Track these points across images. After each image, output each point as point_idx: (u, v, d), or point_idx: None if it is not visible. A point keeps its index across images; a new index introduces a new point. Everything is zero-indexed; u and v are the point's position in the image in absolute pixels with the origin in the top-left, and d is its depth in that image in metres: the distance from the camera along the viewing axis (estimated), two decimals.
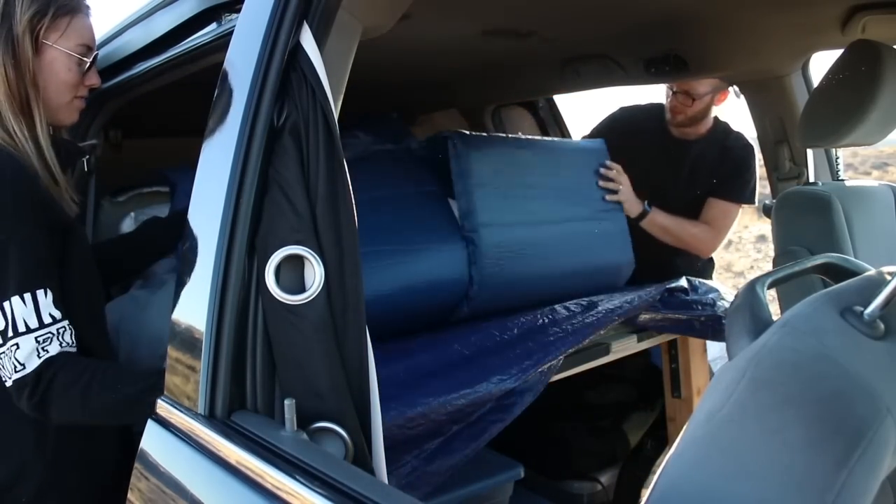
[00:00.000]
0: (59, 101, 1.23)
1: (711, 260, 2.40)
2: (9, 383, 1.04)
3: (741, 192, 2.16)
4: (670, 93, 2.16)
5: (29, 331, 1.04)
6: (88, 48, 1.24)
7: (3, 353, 1.04)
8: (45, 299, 1.06)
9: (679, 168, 2.25)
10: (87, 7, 1.26)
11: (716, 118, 2.25)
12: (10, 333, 1.03)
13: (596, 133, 2.41)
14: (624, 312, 1.60)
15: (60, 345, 1.06)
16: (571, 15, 1.61)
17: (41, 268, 1.09)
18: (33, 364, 1.04)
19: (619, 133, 2.34)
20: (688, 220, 2.15)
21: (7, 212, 1.08)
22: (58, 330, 1.07)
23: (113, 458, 1.28)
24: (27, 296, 1.05)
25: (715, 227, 2.16)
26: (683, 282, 1.80)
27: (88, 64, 1.24)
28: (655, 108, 2.33)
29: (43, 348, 1.05)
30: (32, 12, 1.17)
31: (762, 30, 1.61)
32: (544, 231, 1.74)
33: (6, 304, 1.04)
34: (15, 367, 1.03)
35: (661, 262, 2.24)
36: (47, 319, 1.06)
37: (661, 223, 2.08)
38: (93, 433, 1.24)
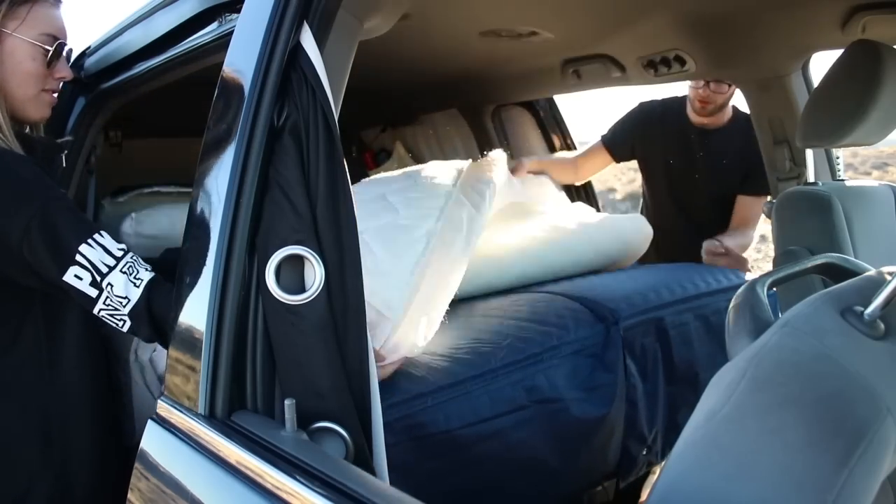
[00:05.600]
0: (24, 93, 1.18)
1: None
2: (127, 324, 1.07)
3: (766, 185, 2.16)
4: (701, 84, 2.16)
5: (111, 268, 1.06)
6: (53, 38, 1.20)
7: (106, 299, 1.06)
8: (105, 238, 1.08)
9: (703, 158, 2.27)
10: None
11: (734, 107, 2.27)
12: (98, 278, 1.05)
13: (618, 129, 2.44)
14: None
15: (146, 269, 1.09)
16: (571, 15, 1.61)
17: (84, 217, 1.12)
18: (136, 293, 1.06)
19: (642, 128, 2.38)
20: (737, 233, 2.16)
21: (32, 184, 1.08)
22: (132, 258, 1.09)
23: (117, 466, 1.27)
24: (90, 241, 1.06)
25: (751, 224, 2.19)
26: None
27: (51, 54, 1.19)
28: (675, 101, 2.35)
29: (135, 276, 1.07)
30: None
31: (762, 30, 1.61)
32: None
33: (79, 257, 1.05)
34: (121, 303, 1.06)
35: (692, 255, 2.24)
36: (118, 253, 1.07)
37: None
38: (97, 443, 1.23)
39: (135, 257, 1.10)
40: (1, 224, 1.05)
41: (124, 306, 1.06)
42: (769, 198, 2.06)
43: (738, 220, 2.21)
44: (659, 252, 2.32)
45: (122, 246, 1.10)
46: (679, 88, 2.36)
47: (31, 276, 1.08)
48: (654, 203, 2.44)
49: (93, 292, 1.06)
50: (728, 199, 2.28)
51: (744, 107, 2.14)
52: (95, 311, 1.07)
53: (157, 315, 1.07)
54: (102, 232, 1.09)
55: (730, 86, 2.15)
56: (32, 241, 1.05)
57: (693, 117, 2.27)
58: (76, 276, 1.05)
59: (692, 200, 2.32)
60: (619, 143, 2.43)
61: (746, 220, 2.20)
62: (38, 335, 1.15)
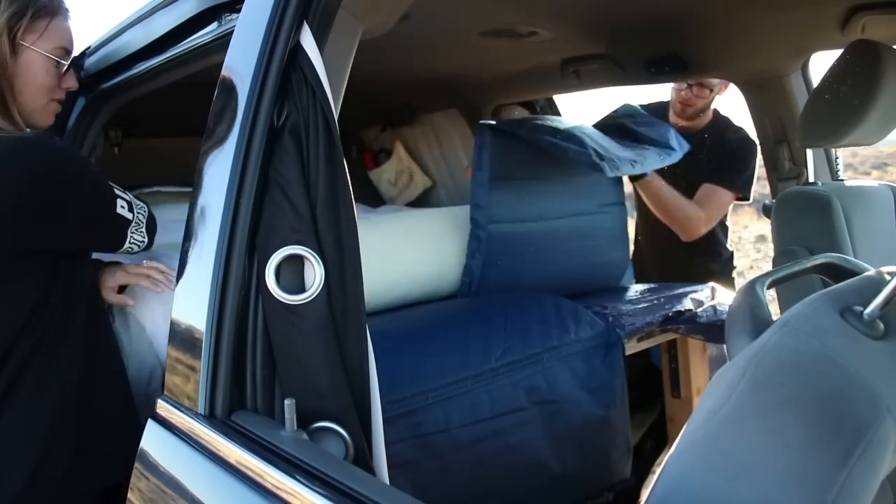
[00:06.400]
0: (35, 103, 1.22)
1: (731, 259, 2.41)
2: (143, 232, 1.31)
3: (733, 179, 2.16)
4: (684, 86, 2.17)
5: (123, 190, 1.29)
6: (66, 51, 1.24)
7: (137, 214, 1.30)
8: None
9: (680, 161, 2.27)
10: (67, 10, 1.25)
11: (716, 111, 2.29)
12: (128, 201, 1.28)
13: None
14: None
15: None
16: (571, 15, 1.61)
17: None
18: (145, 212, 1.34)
19: None
20: (684, 197, 2.16)
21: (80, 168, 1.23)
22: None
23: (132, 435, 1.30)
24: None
25: (704, 210, 2.16)
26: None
27: (69, 65, 1.25)
28: (660, 105, 2.37)
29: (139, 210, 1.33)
30: (11, 13, 1.16)
31: (762, 30, 1.61)
32: (550, 226, 1.76)
33: (116, 190, 1.26)
34: (142, 213, 1.32)
35: (679, 262, 2.25)
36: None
37: (656, 188, 2.09)
38: (110, 412, 1.27)
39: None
40: (72, 194, 1.17)
41: (146, 215, 1.32)
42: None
43: (694, 202, 2.17)
44: (649, 257, 2.33)
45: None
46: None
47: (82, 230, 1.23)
48: (641, 206, 2.46)
49: (129, 215, 1.27)
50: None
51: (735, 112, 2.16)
52: (129, 231, 1.28)
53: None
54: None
55: (711, 90, 2.16)
56: (98, 192, 1.23)
57: (673, 120, 2.28)
58: (121, 206, 1.26)
59: None
60: None
61: (699, 203, 2.16)
62: (56, 307, 1.19)
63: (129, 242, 1.29)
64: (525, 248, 1.71)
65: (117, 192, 1.27)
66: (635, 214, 2.58)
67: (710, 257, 2.33)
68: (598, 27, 1.70)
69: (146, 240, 1.32)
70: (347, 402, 0.87)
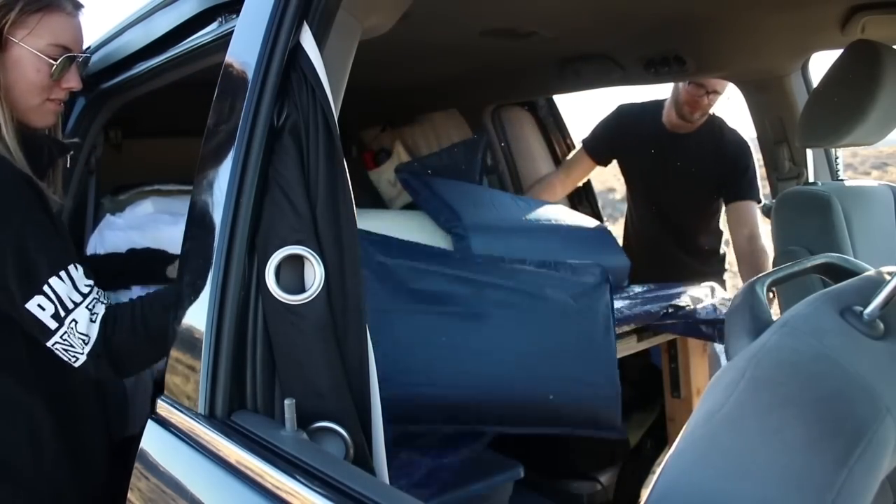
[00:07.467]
0: (27, 102, 1.14)
1: (723, 259, 2.41)
2: (83, 359, 1.06)
3: (756, 191, 2.17)
4: (702, 92, 2.14)
5: (77, 305, 1.05)
6: (65, 49, 1.14)
7: (67, 332, 1.05)
8: (78, 272, 1.08)
9: (674, 161, 2.27)
10: (73, 6, 1.16)
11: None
12: (63, 313, 1.05)
13: (598, 133, 2.45)
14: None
15: (103, 303, 1.09)
16: (571, 15, 1.61)
17: (62, 245, 1.10)
18: (95, 331, 1.06)
19: (619, 130, 2.39)
20: (749, 254, 2.13)
21: (14, 203, 1.07)
22: (97, 293, 1.09)
23: (108, 464, 1.27)
24: (63, 273, 1.06)
25: (757, 229, 2.15)
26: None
27: (56, 67, 1.13)
28: (652, 105, 2.35)
29: (93, 313, 1.07)
30: None
31: (762, 30, 1.61)
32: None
33: (47, 288, 1.04)
34: (83, 340, 1.05)
35: (673, 261, 2.25)
36: (85, 290, 1.08)
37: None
38: (84, 442, 1.22)
39: (99, 292, 1.10)
40: None
41: (86, 344, 1.06)
42: (764, 200, 2.07)
43: (741, 226, 2.15)
44: (639, 257, 2.33)
45: (90, 282, 1.09)
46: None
47: None
48: (634, 208, 2.46)
49: (52, 324, 1.04)
50: (702, 204, 2.28)
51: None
52: (49, 343, 1.05)
53: (115, 349, 1.07)
54: (77, 265, 1.08)
55: (719, 96, 2.16)
56: (2, 263, 1.03)
57: (670, 121, 2.25)
58: (39, 305, 1.04)
59: (667, 205, 2.31)
60: (600, 147, 2.43)
61: (750, 225, 2.14)
62: (18, 342, 1.13)
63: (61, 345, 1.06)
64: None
65: (50, 289, 1.04)
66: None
67: (700, 258, 2.33)
68: (597, 27, 1.70)
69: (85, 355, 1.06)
70: (347, 402, 0.87)
